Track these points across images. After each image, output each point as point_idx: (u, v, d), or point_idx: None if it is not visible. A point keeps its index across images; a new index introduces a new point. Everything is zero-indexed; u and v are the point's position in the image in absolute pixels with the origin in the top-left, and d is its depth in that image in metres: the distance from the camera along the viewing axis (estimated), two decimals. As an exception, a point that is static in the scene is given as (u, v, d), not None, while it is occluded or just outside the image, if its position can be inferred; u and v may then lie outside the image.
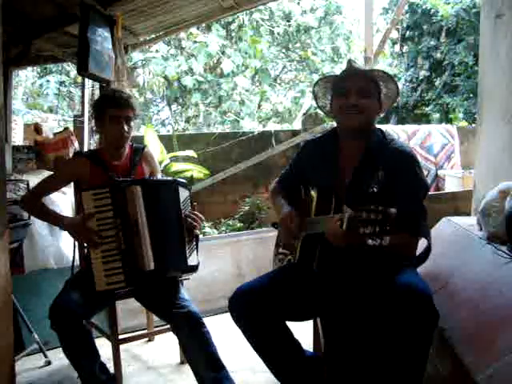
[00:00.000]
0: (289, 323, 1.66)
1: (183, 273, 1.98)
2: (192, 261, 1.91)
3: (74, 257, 2.00)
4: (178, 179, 2.00)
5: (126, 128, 1.93)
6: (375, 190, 1.54)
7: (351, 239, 1.39)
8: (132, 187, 1.81)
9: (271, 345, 1.62)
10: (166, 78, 7.41)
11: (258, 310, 1.57)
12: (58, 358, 2.22)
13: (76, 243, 2.03)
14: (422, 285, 1.45)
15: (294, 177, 1.87)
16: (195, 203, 2.00)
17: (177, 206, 1.88)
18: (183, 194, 1.92)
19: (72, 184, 2.11)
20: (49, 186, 2.03)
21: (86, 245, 1.89)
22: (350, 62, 1.63)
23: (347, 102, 1.58)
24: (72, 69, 7.26)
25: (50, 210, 1.97)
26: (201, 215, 1.95)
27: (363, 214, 1.27)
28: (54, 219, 1.93)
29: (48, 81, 7.53)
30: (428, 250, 1.53)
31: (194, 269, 1.92)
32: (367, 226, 1.25)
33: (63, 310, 1.69)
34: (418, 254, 1.58)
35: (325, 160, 1.71)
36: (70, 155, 3.16)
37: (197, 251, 1.97)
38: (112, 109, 1.93)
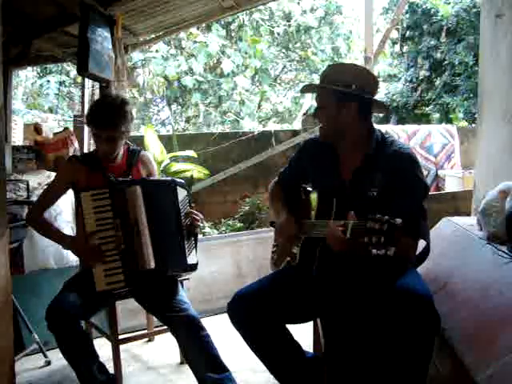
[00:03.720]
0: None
1: (183, 271, 1.98)
2: (191, 259, 1.91)
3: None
4: (176, 179, 2.00)
5: (106, 147, 1.91)
6: (374, 193, 1.54)
7: (353, 247, 1.37)
8: (132, 187, 1.81)
9: (272, 349, 1.62)
10: (165, 77, 7.40)
11: (257, 314, 1.57)
12: (58, 358, 2.20)
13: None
14: (422, 287, 1.44)
15: (293, 175, 1.86)
16: (193, 205, 2.00)
17: (175, 205, 1.88)
18: (181, 193, 1.92)
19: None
20: (49, 197, 2.02)
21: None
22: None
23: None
24: (72, 69, 7.25)
25: (54, 229, 1.98)
26: (200, 214, 1.96)
27: (368, 224, 1.25)
28: (58, 239, 1.94)
29: (48, 81, 7.52)
30: (427, 250, 1.53)
31: (194, 267, 1.92)
32: (372, 236, 1.24)
33: (59, 311, 1.69)
34: (416, 254, 1.57)
35: (325, 160, 1.70)
36: (70, 155, 3.16)
37: (195, 250, 1.97)
38: (93, 126, 1.91)
